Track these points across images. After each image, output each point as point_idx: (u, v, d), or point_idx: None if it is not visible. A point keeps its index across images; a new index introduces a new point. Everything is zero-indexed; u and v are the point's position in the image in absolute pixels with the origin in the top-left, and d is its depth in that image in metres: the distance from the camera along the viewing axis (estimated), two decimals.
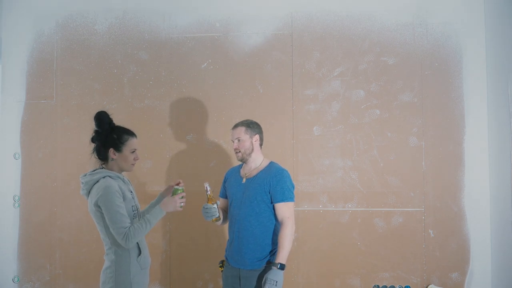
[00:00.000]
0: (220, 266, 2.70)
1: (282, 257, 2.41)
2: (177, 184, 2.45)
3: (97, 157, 2.41)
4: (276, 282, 2.35)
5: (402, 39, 3.26)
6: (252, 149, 2.59)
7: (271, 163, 2.63)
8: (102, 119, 2.39)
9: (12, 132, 3.43)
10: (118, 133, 2.39)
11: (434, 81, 3.23)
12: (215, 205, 2.49)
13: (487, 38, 3.19)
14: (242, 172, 2.67)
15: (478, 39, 3.21)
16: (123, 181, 2.37)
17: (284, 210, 2.49)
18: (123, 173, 2.45)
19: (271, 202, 2.52)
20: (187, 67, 3.37)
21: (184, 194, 2.40)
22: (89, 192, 2.32)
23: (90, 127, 3.33)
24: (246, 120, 2.67)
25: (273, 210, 2.53)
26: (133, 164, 2.41)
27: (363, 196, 3.22)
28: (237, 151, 2.59)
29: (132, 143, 2.40)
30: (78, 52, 3.43)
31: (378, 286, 3.19)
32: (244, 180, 2.61)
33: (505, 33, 2.97)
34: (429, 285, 3.15)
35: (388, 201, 3.21)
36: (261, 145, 2.65)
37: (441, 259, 3.16)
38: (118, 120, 3.32)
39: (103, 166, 2.40)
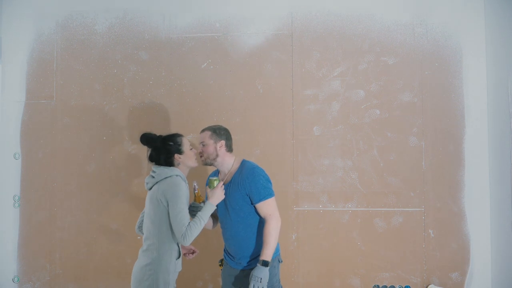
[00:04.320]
0: (220, 265, 2.72)
1: (265, 254, 2.42)
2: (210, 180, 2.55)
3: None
4: (261, 278, 2.37)
5: (402, 39, 3.25)
6: (217, 155, 2.56)
7: (242, 162, 2.60)
8: (151, 137, 2.53)
9: (12, 132, 3.43)
10: (171, 139, 2.53)
11: (434, 81, 3.23)
12: (202, 204, 2.52)
13: (487, 38, 3.19)
14: (219, 177, 2.65)
15: (478, 39, 3.21)
16: (186, 184, 2.48)
17: (265, 208, 2.48)
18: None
19: (252, 203, 2.51)
20: (187, 67, 3.37)
21: (222, 182, 2.53)
22: (156, 182, 2.44)
23: (90, 127, 3.37)
24: (215, 125, 2.66)
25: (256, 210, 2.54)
26: (196, 159, 2.57)
27: (363, 196, 3.22)
28: (200, 155, 2.60)
29: (186, 141, 2.56)
30: (78, 52, 3.43)
31: (378, 286, 3.19)
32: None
33: (505, 33, 2.96)
34: (429, 285, 3.15)
35: (388, 201, 3.20)
36: (229, 150, 2.62)
37: (441, 259, 3.16)
38: (118, 120, 3.34)
39: None
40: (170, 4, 3.39)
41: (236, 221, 2.52)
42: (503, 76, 2.98)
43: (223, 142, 2.59)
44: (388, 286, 3.18)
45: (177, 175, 2.45)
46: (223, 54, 3.35)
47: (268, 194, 2.49)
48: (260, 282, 2.37)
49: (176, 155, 2.50)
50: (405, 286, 3.17)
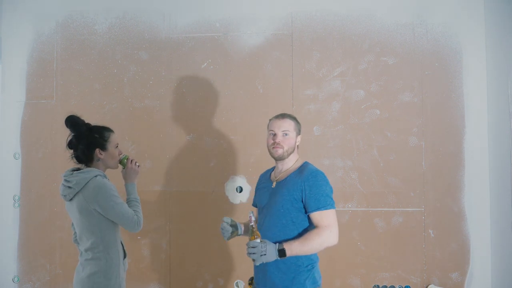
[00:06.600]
0: (250, 284, 2.32)
1: (292, 246, 2.01)
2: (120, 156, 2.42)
3: (78, 161, 2.35)
4: (265, 255, 1.98)
5: (402, 39, 3.25)
6: (293, 150, 2.24)
7: (304, 163, 2.25)
8: (76, 122, 2.33)
9: (12, 132, 3.42)
10: (99, 132, 2.34)
11: (434, 81, 3.23)
12: (258, 241, 2.08)
13: (487, 38, 3.19)
14: (273, 175, 2.32)
15: (478, 39, 3.21)
16: (108, 180, 2.33)
17: (322, 220, 2.07)
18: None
19: (306, 212, 2.12)
20: (187, 67, 3.37)
21: (132, 158, 2.45)
22: (78, 192, 2.23)
23: None
24: (291, 114, 2.31)
25: (306, 223, 2.16)
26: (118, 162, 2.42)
27: (363, 196, 3.22)
28: (278, 146, 2.19)
29: (114, 138, 2.37)
30: (78, 52, 3.43)
31: (378, 286, 3.19)
32: (274, 184, 2.25)
33: (505, 33, 2.96)
34: (429, 285, 3.15)
35: (388, 201, 3.20)
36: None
37: (441, 259, 3.16)
38: (118, 120, 3.34)
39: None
40: (170, 4, 3.39)
41: (274, 225, 2.13)
42: (503, 76, 2.98)
43: (300, 137, 2.28)
44: (388, 286, 3.18)
45: (96, 176, 2.22)
46: (223, 54, 3.35)
47: (329, 204, 2.09)
48: (260, 256, 1.97)
49: (97, 150, 2.29)
50: (405, 286, 3.17)
